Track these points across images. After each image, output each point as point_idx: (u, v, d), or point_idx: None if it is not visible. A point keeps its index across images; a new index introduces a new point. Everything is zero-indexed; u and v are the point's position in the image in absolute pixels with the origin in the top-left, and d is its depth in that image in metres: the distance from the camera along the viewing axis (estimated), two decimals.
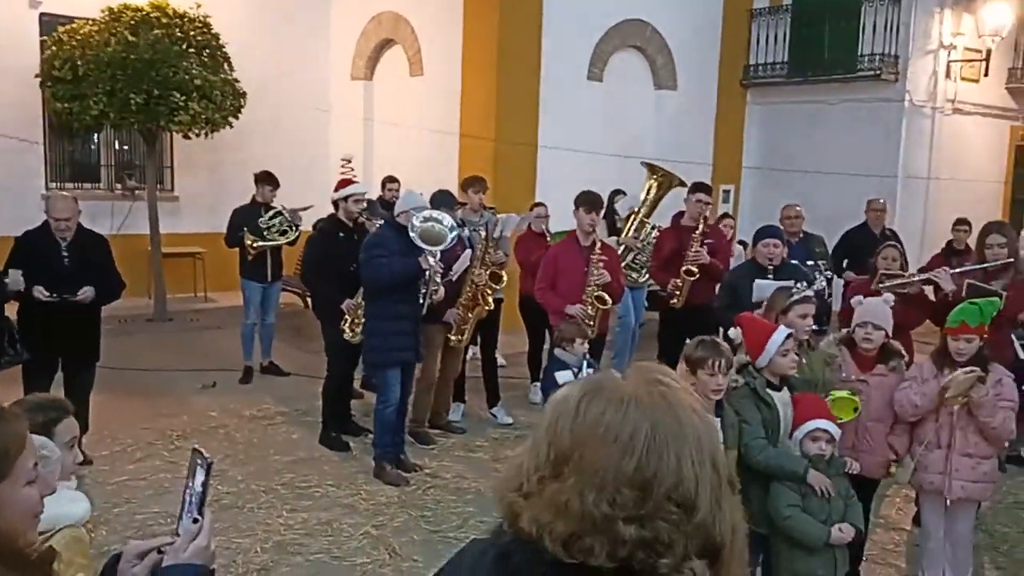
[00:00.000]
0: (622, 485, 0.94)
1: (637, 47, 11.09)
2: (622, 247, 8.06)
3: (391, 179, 8.67)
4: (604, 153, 9.85)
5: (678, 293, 6.72)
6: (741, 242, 9.83)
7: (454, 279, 5.82)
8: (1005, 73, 11.68)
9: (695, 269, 6.56)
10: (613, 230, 8.27)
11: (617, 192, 8.63)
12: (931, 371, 4.05)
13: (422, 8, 10.71)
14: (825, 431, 3.62)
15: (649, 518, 0.93)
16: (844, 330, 4.33)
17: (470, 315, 6.13)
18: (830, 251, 8.32)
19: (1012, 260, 5.04)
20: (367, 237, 5.70)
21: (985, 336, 3.99)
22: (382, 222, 5.81)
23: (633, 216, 8.17)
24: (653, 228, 8.01)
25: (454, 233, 5.33)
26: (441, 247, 5.30)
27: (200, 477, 1.59)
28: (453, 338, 6.10)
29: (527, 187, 9.49)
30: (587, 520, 0.94)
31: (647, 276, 8.06)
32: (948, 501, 4.09)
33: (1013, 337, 5.68)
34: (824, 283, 7.42)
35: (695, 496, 0.94)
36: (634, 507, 0.93)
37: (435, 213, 5.38)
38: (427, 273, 5.30)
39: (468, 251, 5.89)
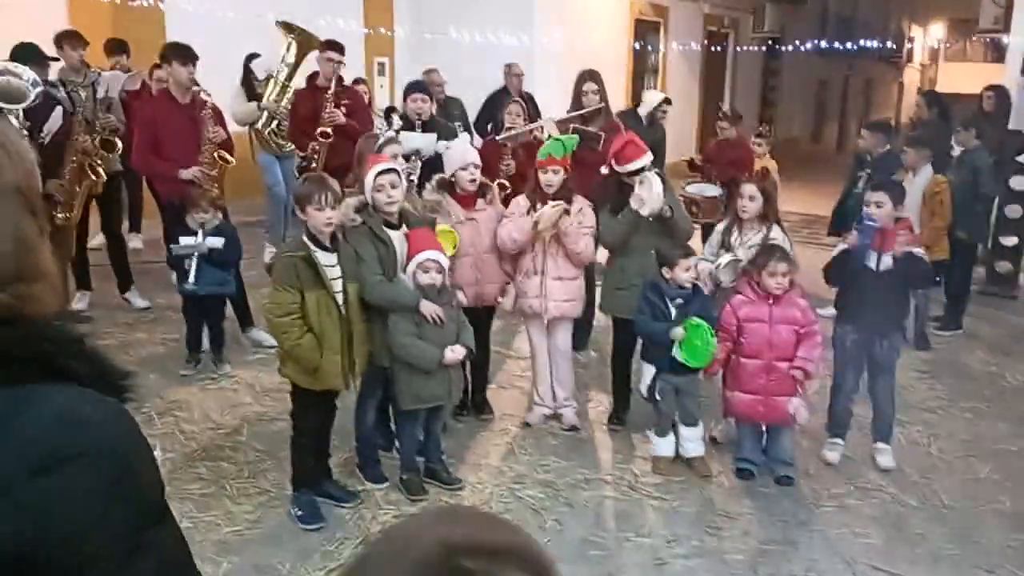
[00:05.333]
0: None
1: None
2: (264, 112, 7.67)
3: None
4: (240, 15, 9.15)
5: (316, 156, 6.57)
6: (391, 109, 9.85)
7: (45, 142, 5.10)
8: None
9: (330, 131, 6.42)
10: (252, 95, 7.80)
11: (253, 55, 8.10)
12: (526, 205, 4.42)
13: None
14: (435, 261, 3.79)
15: None
16: (439, 176, 4.51)
17: (78, 188, 5.47)
18: (477, 114, 8.70)
19: (603, 105, 5.56)
20: None
21: (568, 168, 4.41)
22: None
23: (274, 81, 7.77)
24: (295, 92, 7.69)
25: (37, 89, 4.64)
26: (22, 106, 4.59)
27: None
28: (60, 215, 5.42)
29: (153, 51, 8.54)
30: None
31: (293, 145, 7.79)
32: (546, 321, 4.57)
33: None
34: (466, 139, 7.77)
35: None
36: None
37: (10, 66, 4.63)
38: None
39: (59, 108, 5.18)
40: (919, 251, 4.30)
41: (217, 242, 5.13)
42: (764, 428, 4.38)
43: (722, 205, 7.64)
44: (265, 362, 5.37)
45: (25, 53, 5.15)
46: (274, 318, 3.56)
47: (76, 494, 0.80)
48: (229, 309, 5.59)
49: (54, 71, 5.93)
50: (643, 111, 7.65)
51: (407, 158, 4.98)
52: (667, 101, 7.93)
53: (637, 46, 13.61)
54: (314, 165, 6.59)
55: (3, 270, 0.85)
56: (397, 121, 5.31)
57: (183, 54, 5.35)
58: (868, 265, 4.25)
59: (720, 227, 4.69)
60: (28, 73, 4.61)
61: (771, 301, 4.17)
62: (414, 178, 5.02)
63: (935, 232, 5.99)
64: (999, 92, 8.28)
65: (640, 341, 4.47)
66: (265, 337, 5.55)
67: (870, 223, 4.16)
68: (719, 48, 16.31)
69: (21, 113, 4.57)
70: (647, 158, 4.40)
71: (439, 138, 5.54)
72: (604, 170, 4.61)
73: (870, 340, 4.39)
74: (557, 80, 11.42)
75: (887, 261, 4.22)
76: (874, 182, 4.80)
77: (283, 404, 4.55)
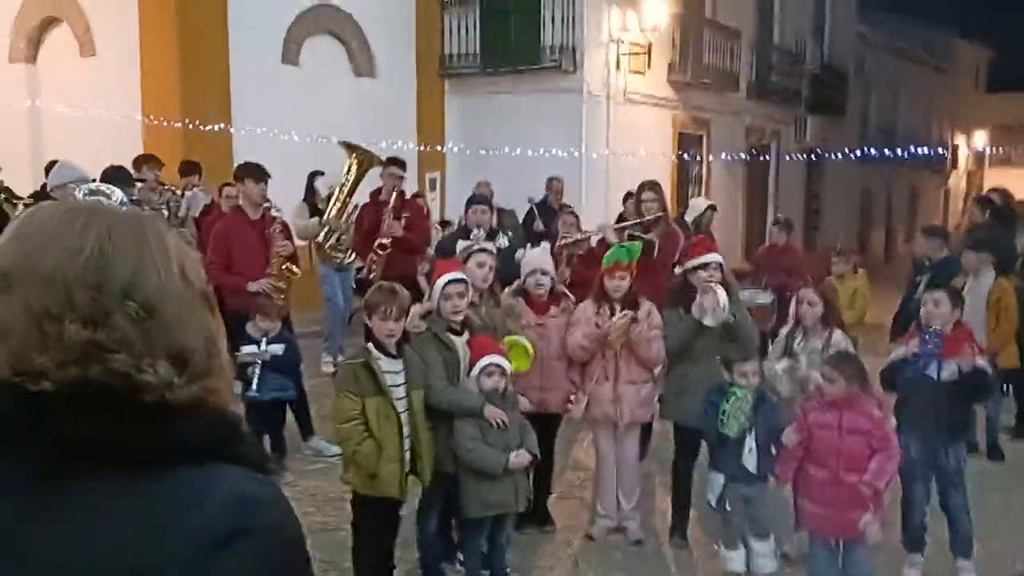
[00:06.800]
0: (73, 286, 0.88)
1: (333, 33, 11.00)
2: (326, 227, 7.96)
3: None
4: (304, 137, 9.66)
5: (375, 267, 6.77)
6: (444, 222, 10.18)
7: None
8: (666, 67, 13.15)
9: (387, 242, 6.63)
10: (314, 211, 8.12)
11: (316, 173, 8.48)
12: (593, 310, 4.45)
13: None
14: (498, 366, 3.83)
15: (103, 316, 0.88)
16: (516, 282, 4.62)
17: None
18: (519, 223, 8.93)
19: (663, 214, 5.68)
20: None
21: (634, 274, 4.47)
22: (31, 199, 5.21)
23: (335, 197, 8.09)
24: (356, 208, 7.99)
25: (125, 207, 4.90)
26: None
27: None
28: None
29: (223, 171, 9.02)
30: (32, 331, 0.87)
31: (353, 257, 8.04)
32: (620, 428, 4.52)
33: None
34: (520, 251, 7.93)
35: (157, 296, 0.91)
36: (87, 305, 0.88)
37: (102, 186, 4.91)
38: None
39: None
40: (982, 363, 4.19)
41: (278, 348, 5.26)
42: (839, 543, 4.20)
43: (773, 313, 7.63)
44: (326, 471, 5.37)
45: (114, 175, 5.46)
46: (337, 424, 3.63)
47: (252, 566, 0.86)
48: (289, 417, 5.65)
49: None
50: (689, 217, 7.78)
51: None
52: (712, 208, 8.07)
53: (683, 157, 13.92)
54: (372, 276, 6.79)
55: (197, 365, 0.93)
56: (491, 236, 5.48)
57: (256, 173, 5.65)
58: (928, 374, 4.16)
59: (784, 332, 4.66)
60: (117, 193, 4.87)
61: (841, 409, 4.07)
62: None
63: (1002, 338, 5.87)
64: (1003, 194, 8.49)
65: (704, 450, 4.39)
66: (326, 446, 5.57)
67: (934, 334, 4.10)
68: (762, 158, 16.60)
69: None
70: (712, 256, 4.44)
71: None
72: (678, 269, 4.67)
73: (934, 450, 4.25)
74: (604, 191, 11.76)
75: (949, 370, 4.13)
76: (932, 284, 4.77)
77: (345, 513, 4.50)
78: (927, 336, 4.13)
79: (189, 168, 7.77)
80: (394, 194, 6.77)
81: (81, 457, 0.85)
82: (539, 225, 8.29)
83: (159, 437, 0.87)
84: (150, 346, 0.90)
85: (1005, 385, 6.21)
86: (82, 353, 0.87)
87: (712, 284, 4.35)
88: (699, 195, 14.77)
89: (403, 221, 6.78)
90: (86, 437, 0.84)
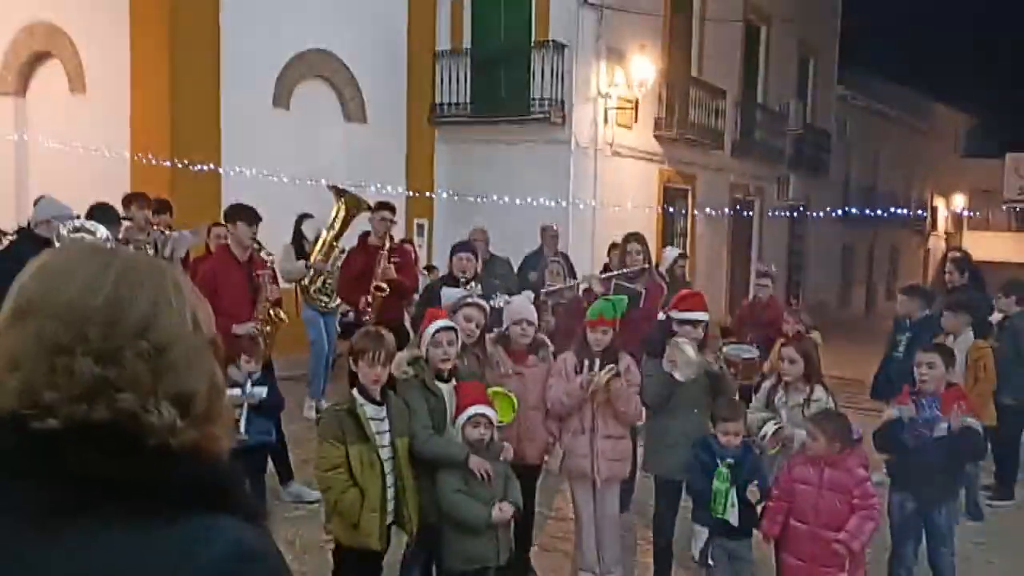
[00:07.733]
0: (88, 321, 0.90)
1: (324, 78, 11.12)
2: (312, 270, 7.95)
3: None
4: (293, 180, 9.70)
5: (369, 310, 6.76)
6: (430, 267, 10.21)
7: None
8: (652, 122, 13.37)
9: (384, 285, 6.64)
10: (301, 254, 8.12)
11: (304, 216, 8.50)
12: (573, 363, 4.44)
13: (82, 18, 9.87)
14: (484, 416, 3.81)
15: (114, 353, 0.90)
16: (496, 330, 4.62)
17: None
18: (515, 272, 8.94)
19: (647, 266, 5.74)
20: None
21: (616, 328, 4.47)
22: (15, 235, 5.19)
23: (323, 240, 8.11)
24: (342, 252, 7.99)
25: (109, 245, 4.89)
26: None
27: None
28: None
29: (211, 213, 9.03)
30: (42, 362, 0.88)
31: (338, 301, 8.02)
32: (597, 482, 4.48)
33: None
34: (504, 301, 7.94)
35: (168, 338, 0.93)
36: (99, 341, 0.90)
37: (87, 223, 4.91)
38: None
39: None
40: (974, 423, 4.24)
41: (263, 392, 5.20)
42: None
43: (759, 366, 7.67)
44: (305, 519, 5.29)
45: (100, 212, 5.45)
46: (320, 471, 3.57)
47: None
48: (269, 464, 5.56)
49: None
50: (663, 268, 7.86)
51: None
52: (683, 255, 8.18)
53: (668, 210, 14.08)
54: (366, 319, 6.76)
55: (198, 409, 0.95)
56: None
57: (248, 215, 5.65)
58: (923, 434, 4.20)
59: (766, 385, 4.68)
60: (101, 231, 4.89)
61: (823, 465, 4.08)
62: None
63: (980, 398, 5.91)
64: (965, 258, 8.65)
65: (684, 502, 4.37)
66: (306, 492, 5.49)
67: (930, 400, 4.16)
68: (746, 214, 16.82)
69: None
70: (701, 315, 4.46)
71: (484, 295, 5.69)
72: (661, 316, 4.67)
73: (928, 508, 4.27)
74: (590, 242, 11.85)
75: (942, 428, 4.17)
76: (925, 344, 4.83)
77: (325, 563, 4.44)
78: (924, 403, 4.18)
79: (160, 207, 7.74)
80: (387, 237, 6.79)
81: (85, 494, 0.86)
82: (533, 275, 8.31)
83: (164, 476, 0.88)
84: (157, 386, 0.91)
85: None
86: (90, 389, 0.88)
87: (679, 340, 4.34)
88: (684, 249, 14.92)
89: (393, 265, 6.80)
90: (91, 475, 0.86)
